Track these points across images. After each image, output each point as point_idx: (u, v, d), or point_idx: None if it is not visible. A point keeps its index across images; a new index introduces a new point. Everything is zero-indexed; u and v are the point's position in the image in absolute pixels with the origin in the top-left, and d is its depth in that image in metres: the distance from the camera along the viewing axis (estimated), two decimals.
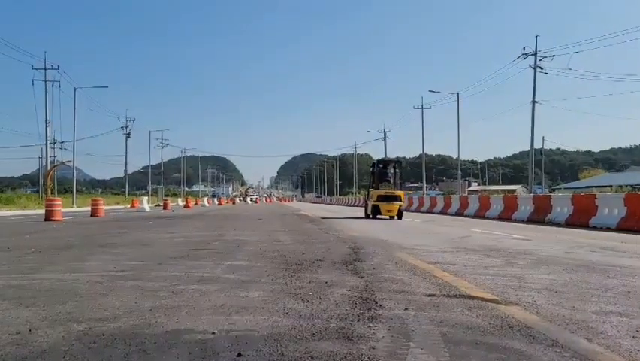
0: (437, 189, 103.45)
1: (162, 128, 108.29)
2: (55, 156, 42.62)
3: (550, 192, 44.03)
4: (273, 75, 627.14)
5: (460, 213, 21.03)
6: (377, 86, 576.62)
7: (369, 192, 18.33)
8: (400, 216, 16.46)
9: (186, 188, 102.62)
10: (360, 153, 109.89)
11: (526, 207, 16.57)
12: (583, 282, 4.31)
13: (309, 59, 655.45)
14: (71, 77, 72.50)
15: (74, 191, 41.54)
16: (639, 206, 11.88)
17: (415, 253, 6.33)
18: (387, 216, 16.67)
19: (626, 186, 40.66)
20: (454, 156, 49.08)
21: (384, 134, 61.07)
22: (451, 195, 29.73)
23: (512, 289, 3.94)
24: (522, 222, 15.35)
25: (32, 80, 38.20)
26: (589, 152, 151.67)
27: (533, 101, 31.75)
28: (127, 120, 58.36)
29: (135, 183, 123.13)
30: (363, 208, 19.91)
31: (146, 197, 44.03)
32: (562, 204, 14.84)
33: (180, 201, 49.68)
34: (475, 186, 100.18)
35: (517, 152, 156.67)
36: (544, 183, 73.29)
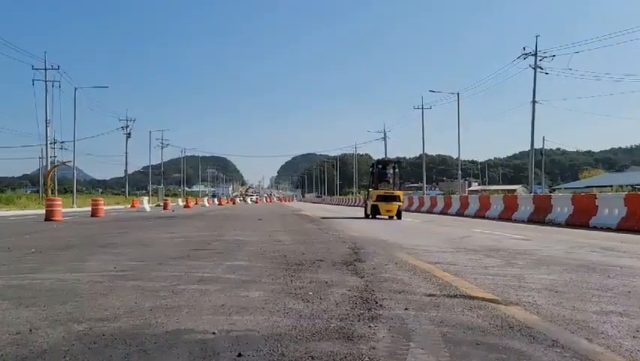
0: (437, 189, 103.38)
1: (162, 129, 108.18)
2: (55, 156, 42.67)
3: (551, 192, 44.01)
4: (273, 75, 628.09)
5: (460, 214, 21.03)
6: (377, 86, 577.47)
7: (368, 192, 18.40)
8: (399, 216, 16.52)
9: (186, 188, 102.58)
10: (361, 153, 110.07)
11: (526, 208, 16.56)
12: (583, 282, 4.31)
13: (309, 59, 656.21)
14: (71, 77, 72.47)
15: (74, 191, 41.56)
16: (639, 206, 11.88)
17: (415, 253, 6.33)
18: (387, 216, 16.73)
19: (627, 186, 40.62)
20: (455, 156, 49.12)
21: (385, 134, 61.16)
22: (452, 196, 29.72)
23: (512, 289, 3.94)
24: (522, 222, 15.35)
25: (33, 80, 38.26)
26: (589, 152, 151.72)
27: (533, 101, 31.76)
28: (127, 120, 58.52)
29: (135, 184, 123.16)
30: (363, 208, 19.95)
31: (147, 197, 44.07)
32: (562, 205, 14.84)
33: (180, 202, 49.71)
34: (475, 186, 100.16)
35: (517, 152, 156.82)
36: (545, 183, 73.25)
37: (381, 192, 16.99)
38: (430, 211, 24.83)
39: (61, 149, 44.33)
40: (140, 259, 5.72)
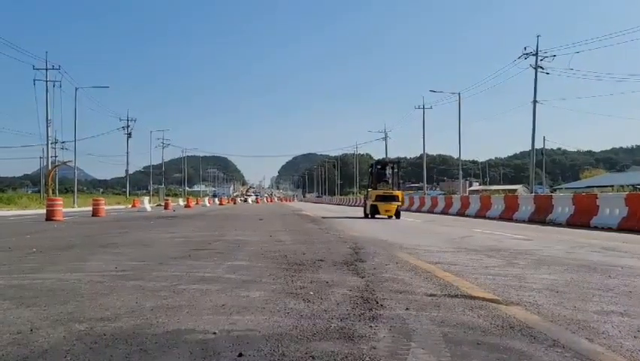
0: (438, 189, 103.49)
1: (163, 129, 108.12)
2: (56, 156, 42.71)
3: (552, 192, 43.98)
4: (273, 75, 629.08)
5: (461, 214, 21.01)
6: (377, 86, 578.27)
7: (368, 192, 18.48)
8: (397, 215, 16.64)
9: (187, 188, 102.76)
10: (361, 153, 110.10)
11: (527, 207, 16.55)
12: (584, 282, 4.30)
13: (309, 59, 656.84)
14: (72, 77, 72.66)
15: (75, 191, 41.65)
16: None
17: (415, 253, 6.33)
18: (386, 216, 16.79)
19: (627, 186, 40.56)
20: (455, 156, 49.13)
21: (385, 134, 61.16)
22: (452, 195, 29.70)
23: (513, 289, 3.94)
24: (523, 222, 15.33)
25: (34, 80, 38.41)
26: (590, 152, 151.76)
27: (534, 101, 31.79)
28: (128, 120, 58.59)
29: (136, 183, 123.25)
30: (363, 208, 19.99)
31: (147, 197, 44.12)
32: (563, 204, 14.82)
33: (181, 201, 49.76)
34: (476, 186, 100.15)
35: (518, 152, 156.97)
36: (545, 183, 73.25)
37: (380, 192, 17.08)
38: (430, 211, 24.81)
39: (62, 149, 44.49)
40: (140, 259, 5.73)
